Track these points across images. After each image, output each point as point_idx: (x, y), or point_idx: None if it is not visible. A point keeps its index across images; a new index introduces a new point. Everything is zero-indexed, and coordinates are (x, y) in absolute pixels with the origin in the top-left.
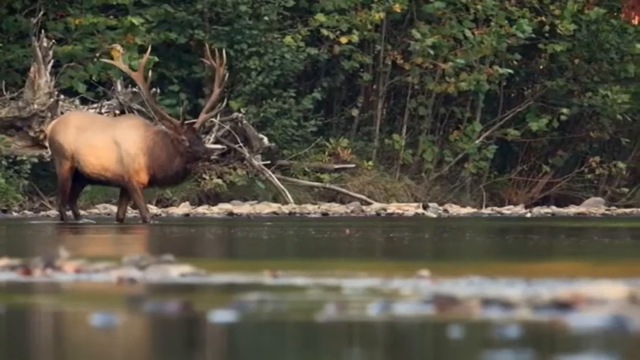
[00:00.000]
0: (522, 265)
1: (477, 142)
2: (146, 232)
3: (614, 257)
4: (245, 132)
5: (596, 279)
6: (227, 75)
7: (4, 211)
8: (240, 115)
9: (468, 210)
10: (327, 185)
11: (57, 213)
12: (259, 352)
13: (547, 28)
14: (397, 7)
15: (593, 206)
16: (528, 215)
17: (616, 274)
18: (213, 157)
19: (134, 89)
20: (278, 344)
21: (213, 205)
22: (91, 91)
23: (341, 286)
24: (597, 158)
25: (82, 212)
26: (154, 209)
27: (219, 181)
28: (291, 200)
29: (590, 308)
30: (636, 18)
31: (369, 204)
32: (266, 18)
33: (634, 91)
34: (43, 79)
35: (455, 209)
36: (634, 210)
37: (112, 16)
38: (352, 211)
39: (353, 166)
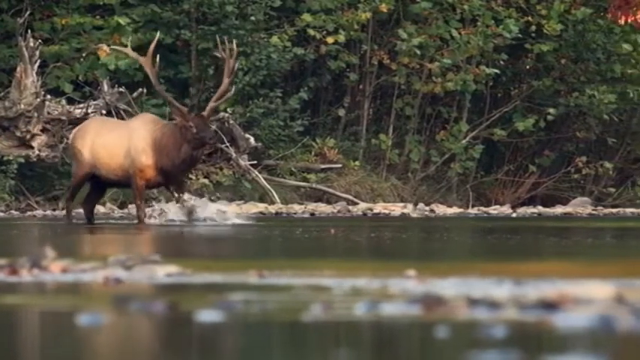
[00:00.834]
0: (509, 265)
1: (464, 142)
2: (139, 232)
3: (601, 257)
4: (232, 132)
5: (582, 279)
6: (237, 65)
7: None
8: (227, 115)
9: (455, 210)
10: (314, 185)
11: (43, 213)
12: (245, 352)
13: (534, 28)
14: (384, 7)
15: (580, 206)
16: (514, 215)
17: (603, 274)
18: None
19: (120, 89)
20: (264, 344)
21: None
22: (78, 91)
23: (327, 286)
24: (584, 158)
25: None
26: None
27: (206, 181)
28: (278, 200)
29: (577, 308)
30: (623, 18)
31: (355, 204)
32: (252, 18)
33: (620, 91)
34: (29, 79)
35: (441, 209)
36: (620, 210)
37: (98, 16)
38: (339, 211)
39: (339, 166)
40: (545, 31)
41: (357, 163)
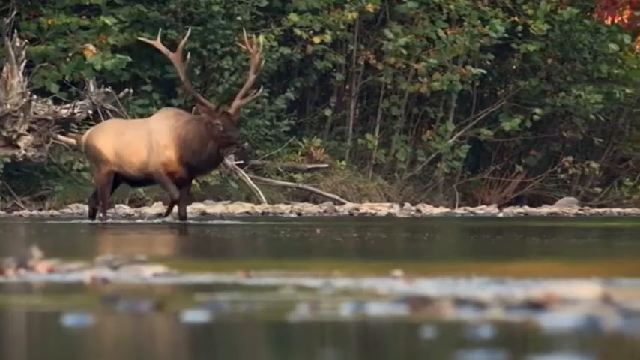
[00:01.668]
0: (495, 265)
1: (450, 142)
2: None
3: (587, 257)
4: None
5: (569, 279)
6: (263, 61)
7: None
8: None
9: (441, 210)
10: (300, 185)
11: (30, 213)
12: (232, 352)
13: (520, 28)
14: (370, 7)
15: (566, 206)
16: (500, 215)
17: (589, 274)
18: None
19: (107, 89)
20: (251, 344)
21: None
22: (64, 91)
23: (313, 286)
24: (570, 158)
25: (55, 212)
26: (126, 209)
27: (192, 181)
28: (264, 200)
29: (563, 308)
30: (609, 18)
31: (342, 204)
32: (239, 18)
33: (607, 91)
34: (15, 79)
35: (428, 209)
36: (607, 210)
37: (84, 16)
38: (325, 211)
39: (326, 166)
40: (531, 31)
41: (343, 163)
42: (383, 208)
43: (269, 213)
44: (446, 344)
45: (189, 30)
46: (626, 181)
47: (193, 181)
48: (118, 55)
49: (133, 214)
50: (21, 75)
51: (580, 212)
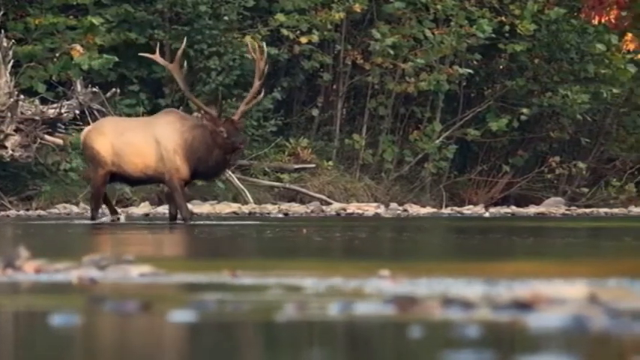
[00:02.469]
0: (482, 265)
1: (437, 142)
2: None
3: (574, 257)
4: None
5: (556, 279)
6: (267, 67)
7: None
8: (200, 115)
9: (428, 210)
10: (287, 185)
11: (17, 213)
12: (218, 352)
13: (507, 28)
14: (357, 7)
15: (553, 206)
16: (486, 215)
17: (576, 274)
18: None
19: (94, 89)
20: (237, 344)
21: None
22: (51, 91)
23: (301, 286)
24: (557, 158)
25: (42, 212)
26: None
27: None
28: (251, 200)
29: (550, 308)
30: (596, 18)
31: (329, 204)
32: (226, 18)
33: (594, 91)
34: (2, 79)
35: (415, 209)
36: (594, 210)
37: (72, 16)
38: (312, 211)
39: (313, 166)
40: (518, 31)
41: (330, 163)
42: (370, 208)
43: (256, 213)
44: (433, 344)
45: (185, 39)
46: (613, 181)
47: None
48: (105, 55)
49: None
50: (8, 75)
51: (567, 212)
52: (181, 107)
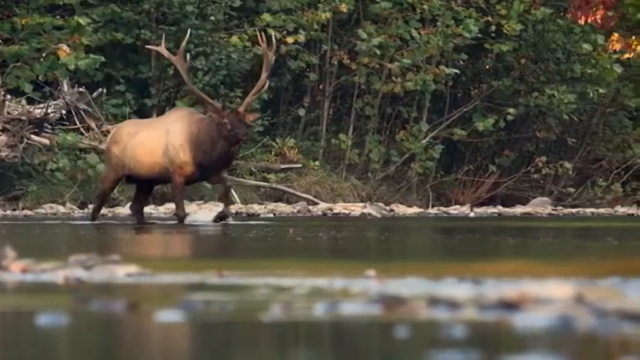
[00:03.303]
0: (469, 265)
1: (424, 142)
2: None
3: (561, 257)
4: None
5: (542, 279)
6: (274, 59)
7: None
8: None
9: (415, 210)
10: (274, 185)
11: (3, 213)
12: (205, 353)
13: (493, 28)
14: (343, 7)
15: (540, 206)
16: (472, 215)
17: (562, 274)
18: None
19: (80, 89)
20: (224, 344)
21: (159, 205)
22: (38, 91)
23: (287, 286)
24: (544, 158)
25: (29, 213)
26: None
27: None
28: (238, 200)
29: (537, 308)
30: (582, 18)
31: (315, 204)
32: (212, 18)
33: (580, 91)
34: None
35: (401, 209)
36: (580, 210)
37: (58, 16)
38: (299, 211)
39: (299, 166)
40: (504, 31)
41: (317, 163)
42: (356, 208)
43: (242, 213)
44: (419, 344)
45: (189, 31)
46: (600, 181)
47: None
48: (91, 55)
49: (106, 214)
50: None
51: (553, 212)
52: (167, 107)
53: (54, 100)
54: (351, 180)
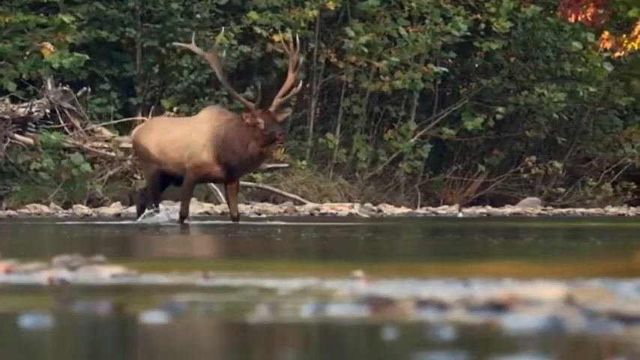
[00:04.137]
0: (457, 266)
1: (412, 141)
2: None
3: (551, 258)
4: None
5: (532, 280)
6: (301, 60)
7: None
8: (172, 114)
9: (403, 210)
10: (260, 185)
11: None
12: (190, 354)
13: (482, 25)
14: (331, 5)
15: (529, 206)
16: (460, 215)
17: (552, 275)
18: None
19: (64, 88)
20: (209, 345)
21: None
22: (22, 89)
23: (273, 287)
24: (533, 158)
25: (13, 213)
26: (84, 209)
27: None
28: (224, 200)
29: (526, 309)
30: (573, 16)
31: (302, 204)
32: (198, 16)
33: (570, 89)
34: None
35: (389, 209)
36: (570, 210)
37: (42, 14)
38: (285, 211)
39: (286, 165)
40: (494, 29)
41: (304, 162)
42: (344, 208)
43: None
44: (407, 346)
45: (222, 29)
46: (590, 181)
47: None
48: (75, 54)
49: (91, 214)
50: None
51: (543, 212)
52: (153, 106)
53: (38, 98)
54: (339, 180)
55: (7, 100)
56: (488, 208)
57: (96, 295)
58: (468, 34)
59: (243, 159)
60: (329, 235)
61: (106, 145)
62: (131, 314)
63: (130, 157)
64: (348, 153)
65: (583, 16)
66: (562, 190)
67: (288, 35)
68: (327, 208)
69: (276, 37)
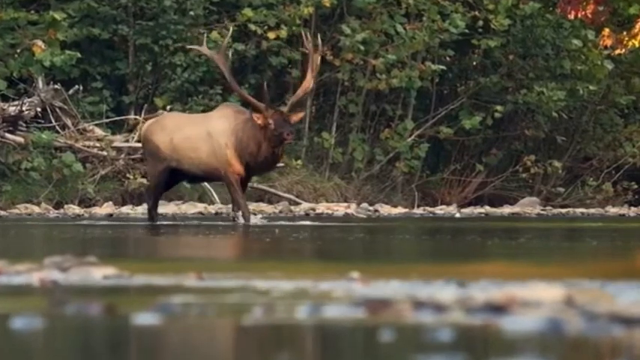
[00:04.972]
0: (455, 267)
1: (409, 140)
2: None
3: (550, 259)
4: None
5: (531, 281)
6: (320, 60)
7: None
8: (166, 112)
9: (400, 210)
10: (255, 185)
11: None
12: (183, 355)
13: (481, 23)
14: (326, 2)
15: (528, 206)
16: (458, 215)
17: (551, 276)
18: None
19: (56, 86)
20: (203, 347)
21: (137, 206)
22: (12, 88)
23: (269, 289)
24: (532, 157)
25: (3, 213)
26: (76, 209)
27: (144, 180)
28: (218, 200)
29: (525, 311)
30: (572, 13)
31: (297, 204)
32: (192, 13)
33: (570, 88)
34: None
35: (386, 209)
36: (570, 210)
37: (33, 11)
38: (281, 211)
39: (281, 165)
40: (492, 26)
41: (299, 162)
42: (340, 208)
43: (222, 213)
44: (405, 348)
45: (231, 29)
46: (590, 181)
47: (144, 180)
48: (67, 52)
49: (82, 214)
50: None
51: (542, 212)
52: (145, 104)
53: (29, 97)
54: (335, 179)
55: None
56: (487, 208)
57: (88, 296)
58: (466, 31)
59: (258, 161)
60: (325, 236)
61: (97, 145)
62: (123, 316)
63: (122, 156)
64: (344, 152)
65: (583, 13)
66: (562, 189)
67: (308, 36)
68: (322, 208)
69: (270, 35)
